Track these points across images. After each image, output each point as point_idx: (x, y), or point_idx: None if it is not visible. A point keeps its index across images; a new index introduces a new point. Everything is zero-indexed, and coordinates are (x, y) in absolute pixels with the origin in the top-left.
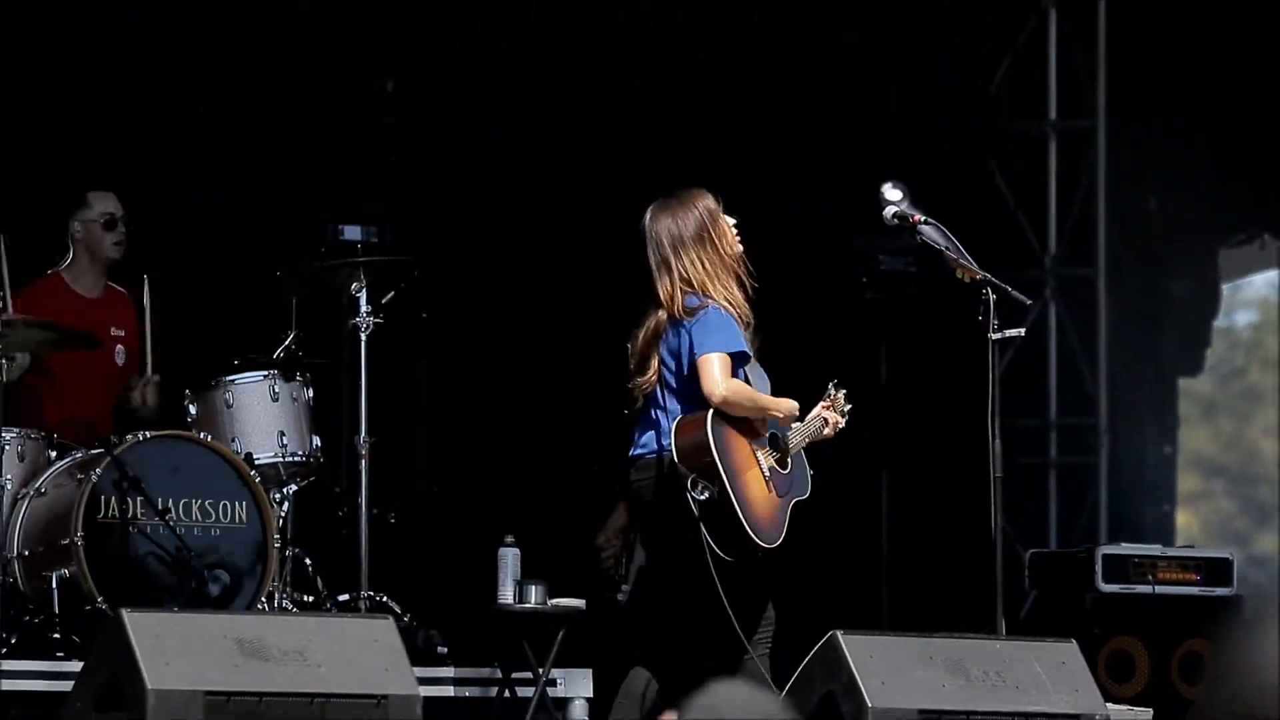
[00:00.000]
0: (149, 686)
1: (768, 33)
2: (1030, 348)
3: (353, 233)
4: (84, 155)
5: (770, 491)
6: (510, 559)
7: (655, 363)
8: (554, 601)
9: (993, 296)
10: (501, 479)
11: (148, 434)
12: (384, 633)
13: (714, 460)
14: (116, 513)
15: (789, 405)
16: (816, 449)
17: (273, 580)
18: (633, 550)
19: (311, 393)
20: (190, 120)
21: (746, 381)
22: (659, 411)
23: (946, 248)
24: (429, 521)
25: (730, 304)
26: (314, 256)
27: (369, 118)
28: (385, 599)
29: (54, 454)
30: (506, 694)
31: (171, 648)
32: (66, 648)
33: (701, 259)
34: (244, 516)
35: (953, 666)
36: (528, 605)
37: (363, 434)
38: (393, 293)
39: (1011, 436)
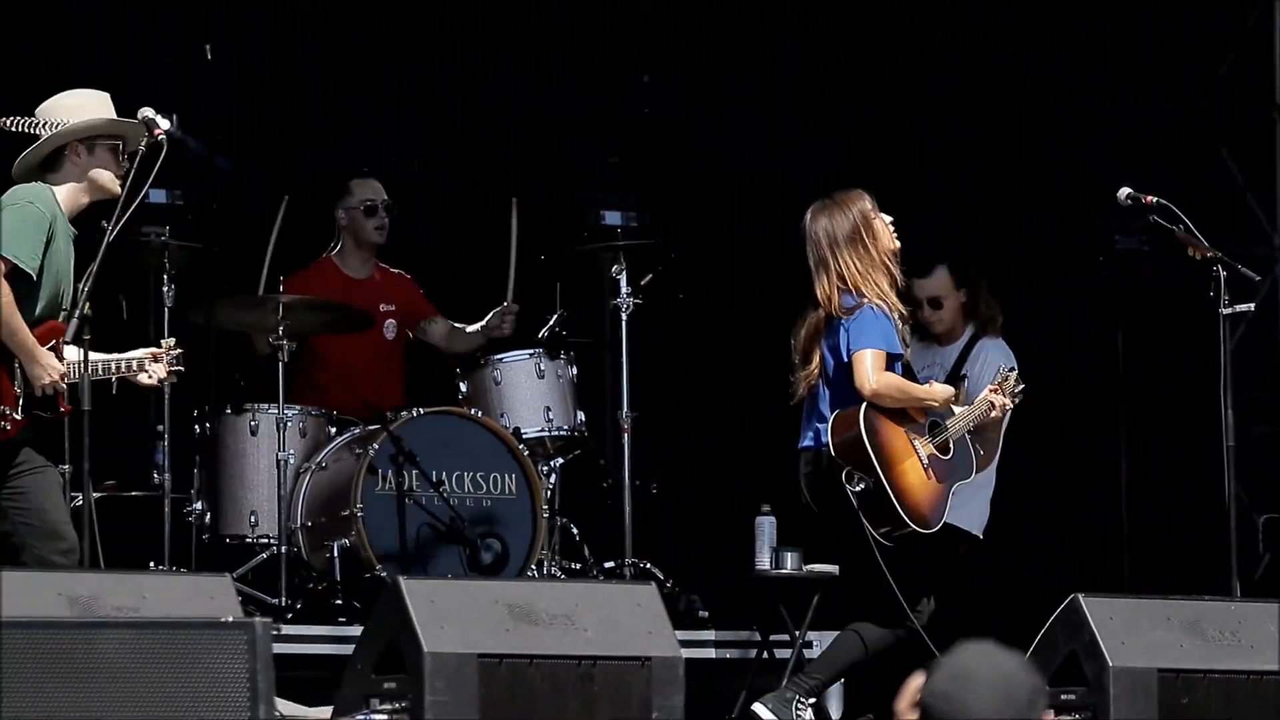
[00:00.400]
0: (425, 650)
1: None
2: (1261, 321)
3: (613, 218)
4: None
5: (930, 478)
6: (767, 527)
7: (817, 358)
8: (809, 567)
9: (1223, 273)
10: (758, 450)
11: (422, 410)
12: (647, 598)
13: (868, 454)
14: (393, 485)
15: (942, 393)
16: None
17: (541, 548)
18: None
19: (575, 370)
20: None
21: (908, 374)
22: (821, 405)
23: (1178, 227)
24: (689, 492)
25: (883, 301)
26: (578, 241)
27: (629, 109)
28: (648, 566)
29: (334, 430)
30: (764, 656)
31: (446, 613)
32: (347, 613)
33: (855, 259)
34: (513, 488)
35: (1190, 627)
36: (784, 571)
37: (625, 409)
38: (651, 275)
39: (1245, 407)
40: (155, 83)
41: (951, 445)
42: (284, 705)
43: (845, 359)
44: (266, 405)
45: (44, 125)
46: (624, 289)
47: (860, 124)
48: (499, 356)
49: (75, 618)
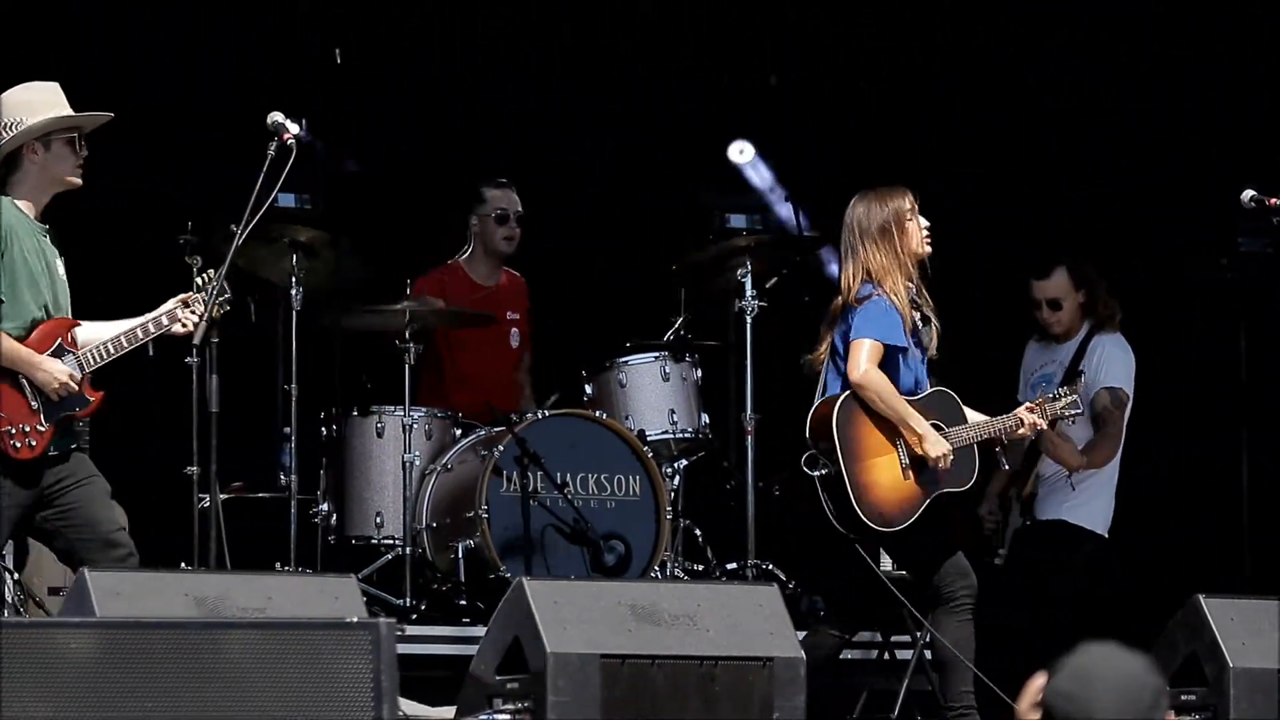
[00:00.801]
0: (548, 650)
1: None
2: None
3: (739, 220)
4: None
5: (908, 479)
6: None
7: (827, 342)
8: None
9: None
10: None
11: (546, 412)
12: (769, 599)
13: (833, 442)
14: (518, 487)
15: (920, 429)
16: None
17: (665, 550)
18: (1008, 515)
19: (700, 373)
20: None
21: (912, 370)
22: (828, 389)
23: None
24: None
25: (897, 299)
26: (702, 244)
27: (756, 109)
28: (771, 567)
29: (459, 432)
30: (886, 656)
31: (569, 613)
32: (471, 614)
33: (879, 253)
34: (637, 490)
35: None
36: (905, 572)
37: (748, 411)
38: (776, 278)
39: None
40: (288, 87)
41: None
42: (408, 705)
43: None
44: (393, 407)
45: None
46: (749, 292)
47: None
48: (624, 359)
49: (202, 618)
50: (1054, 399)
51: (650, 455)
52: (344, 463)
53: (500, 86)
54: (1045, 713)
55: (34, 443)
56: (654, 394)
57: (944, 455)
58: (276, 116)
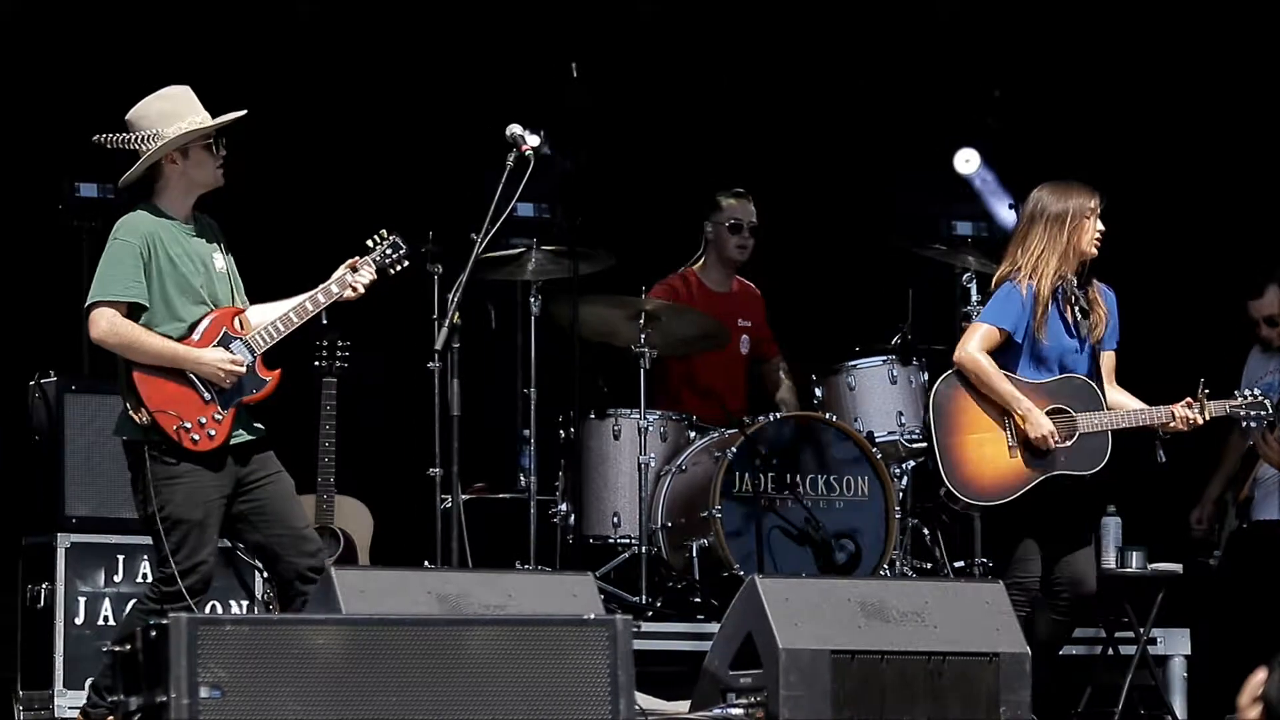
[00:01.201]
0: (780, 646)
1: None
2: None
3: (964, 227)
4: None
5: (1014, 457)
6: (1113, 527)
7: None
8: (1153, 566)
9: None
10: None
11: (778, 415)
12: (995, 596)
13: (928, 415)
14: (750, 488)
15: (1022, 406)
16: None
17: (894, 549)
18: (1224, 518)
19: (926, 376)
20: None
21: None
22: None
23: None
24: None
25: (1036, 287)
26: (929, 250)
27: (974, 122)
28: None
29: (693, 434)
30: (1110, 651)
31: (800, 610)
32: (705, 611)
33: (1043, 241)
34: (866, 490)
35: None
36: (1129, 570)
37: None
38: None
39: None
40: (523, 101)
41: (1078, 434)
42: (644, 699)
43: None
44: (629, 410)
45: (137, 139)
46: (974, 297)
47: None
48: (853, 363)
49: (444, 615)
50: (1216, 398)
51: (879, 456)
52: (582, 464)
53: (735, 95)
54: (1265, 708)
55: (214, 432)
56: (882, 396)
57: (1044, 436)
58: (515, 128)
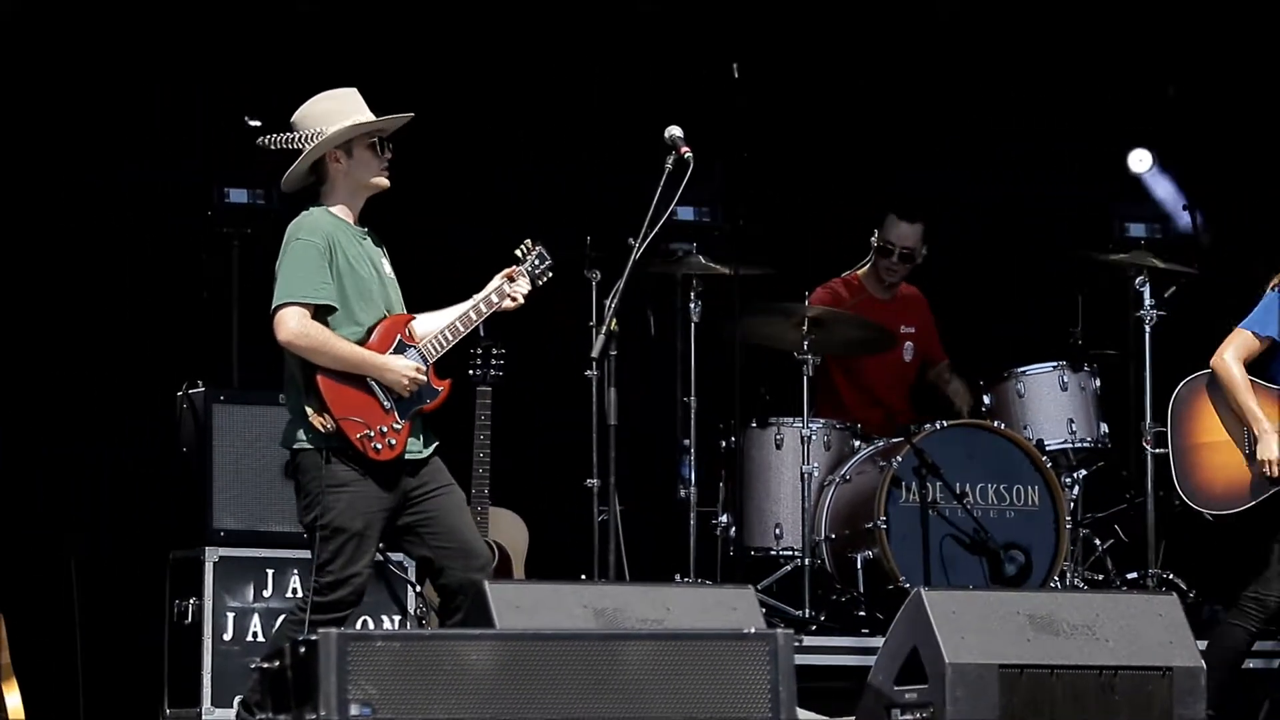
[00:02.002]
0: (947, 660)
1: None
2: None
3: (1138, 229)
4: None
5: (1249, 466)
6: None
7: None
8: None
9: None
10: None
11: (945, 423)
12: (1168, 608)
13: (1167, 419)
14: (916, 497)
15: (1259, 423)
16: None
17: (1064, 559)
18: None
19: (1099, 382)
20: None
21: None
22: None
23: None
24: None
25: None
26: (1102, 252)
27: (1155, 119)
28: (1172, 576)
29: (857, 443)
30: None
31: (967, 623)
32: (870, 624)
33: None
34: (1036, 500)
35: None
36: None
37: (1148, 421)
38: (1174, 287)
39: None
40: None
41: None
42: (806, 715)
43: None
44: (791, 419)
45: (301, 139)
46: (1147, 300)
47: None
48: (1022, 369)
49: (600, 629)
50: None
51: (1049, 465)
52: (743, 474)
53: (902, 97)
54: None
55: (394, 442)
56: (1053, 404)
57: (1271, 461)
58: (674, 131)
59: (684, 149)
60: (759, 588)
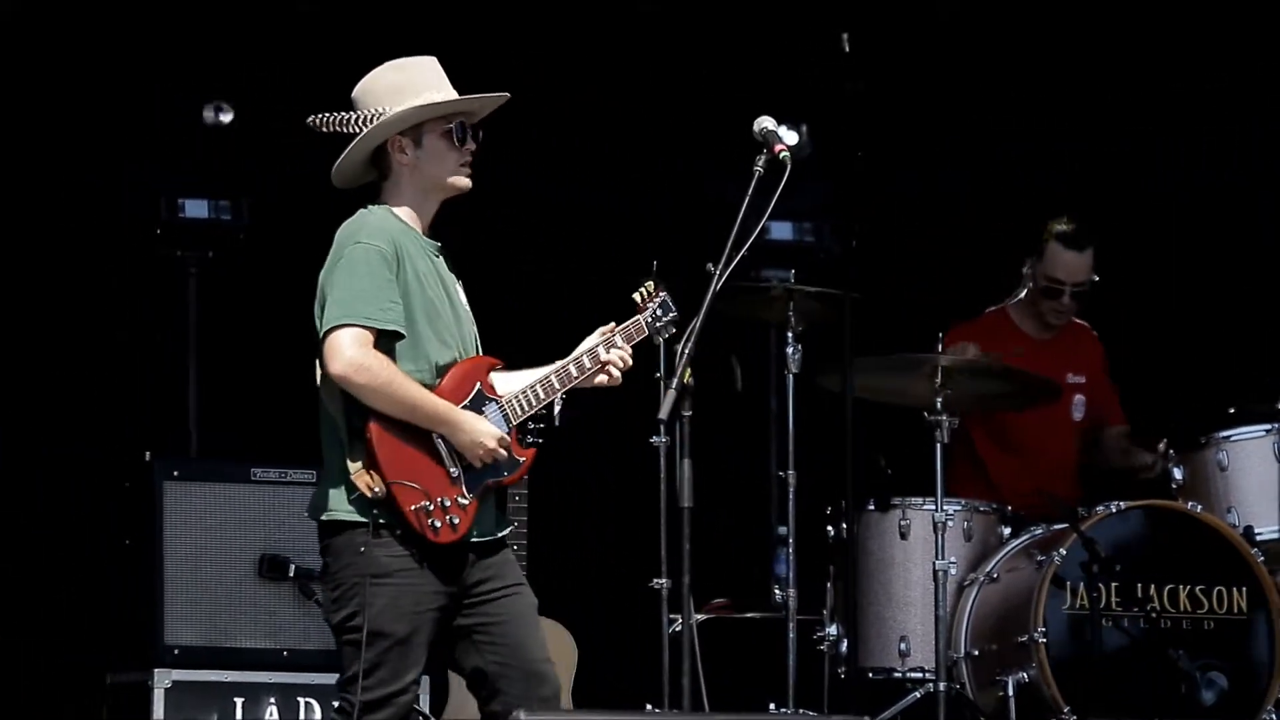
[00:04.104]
0: None
1: None
2: None
3: None
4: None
5: None
6: None
7: None
8: None
9: None
10: None
11: (1122, 505)
12: None
13: None
14: (1085, 602)
15: None
16: None
17: None
18: None
19: None
20: None
21: None
22: None
23: None
24: None
25: None
26: None
27: None
28: None
29: (1007, 531)
30: None
31: None
32: None
33: None
34: (1244, 605)
35: None
36: None
37: None
38: None
39: None
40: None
41: None
42: None
43: None
44: (921, 500)
45: (357, 119)
46: None
47: None
48: (1225, 433)
49: None
50: None
51: (1261, 559)
52: (858, 572)
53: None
54: None
55: (456, 520)
56: (1266, 479)
57: None
58: (766, 123)
59: (779, 147)
60: None
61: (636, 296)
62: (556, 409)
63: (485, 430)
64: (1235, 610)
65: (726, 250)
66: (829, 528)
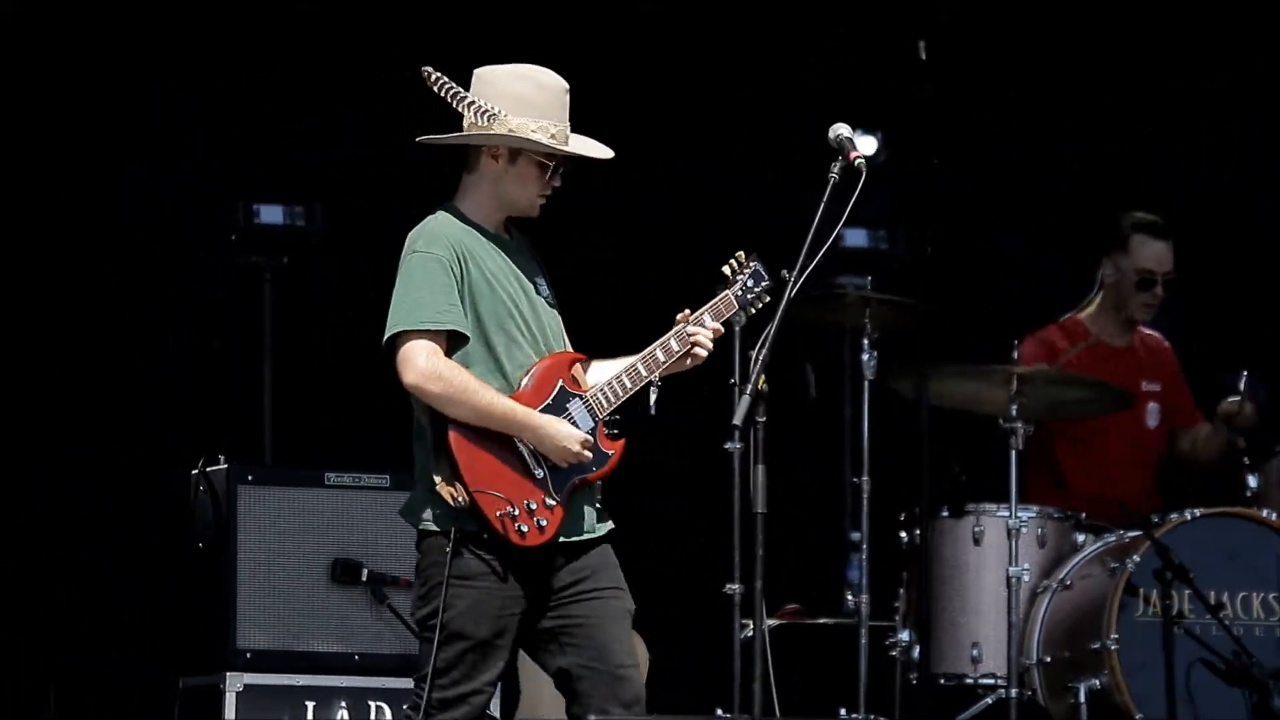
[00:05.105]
0: None
1: None
2: None
3: None
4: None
5: None
6: None
7: None
8: None
9: None
10: None
11: (1198, 512)
12: None
13: None
14: (1159, 609)
15: None
16: None
17: None
18: None
19: None
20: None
21: None
22: None
23: None
24: None
25: None
26: None
27: None
28: None
29: (1081, 538)
30: None
31: None
32: None
33: None
34: None
35: None
36: None
37: None
38: None
39: None
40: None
41: None
42: None
43: None
44: (995, 506)
45: (470, 105)
46: None
47: None
48: None
49: None
50: None
51: None
52: (931, 578)
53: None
54: None
55: (544, 522)
56: None
57: None
58: (842, 129)
59: (855, 153)
60: None
61: (726, 269)
62: (652, 398)
63: (567, 433)
64: None
65: (802, 256)
66: (902, 533)
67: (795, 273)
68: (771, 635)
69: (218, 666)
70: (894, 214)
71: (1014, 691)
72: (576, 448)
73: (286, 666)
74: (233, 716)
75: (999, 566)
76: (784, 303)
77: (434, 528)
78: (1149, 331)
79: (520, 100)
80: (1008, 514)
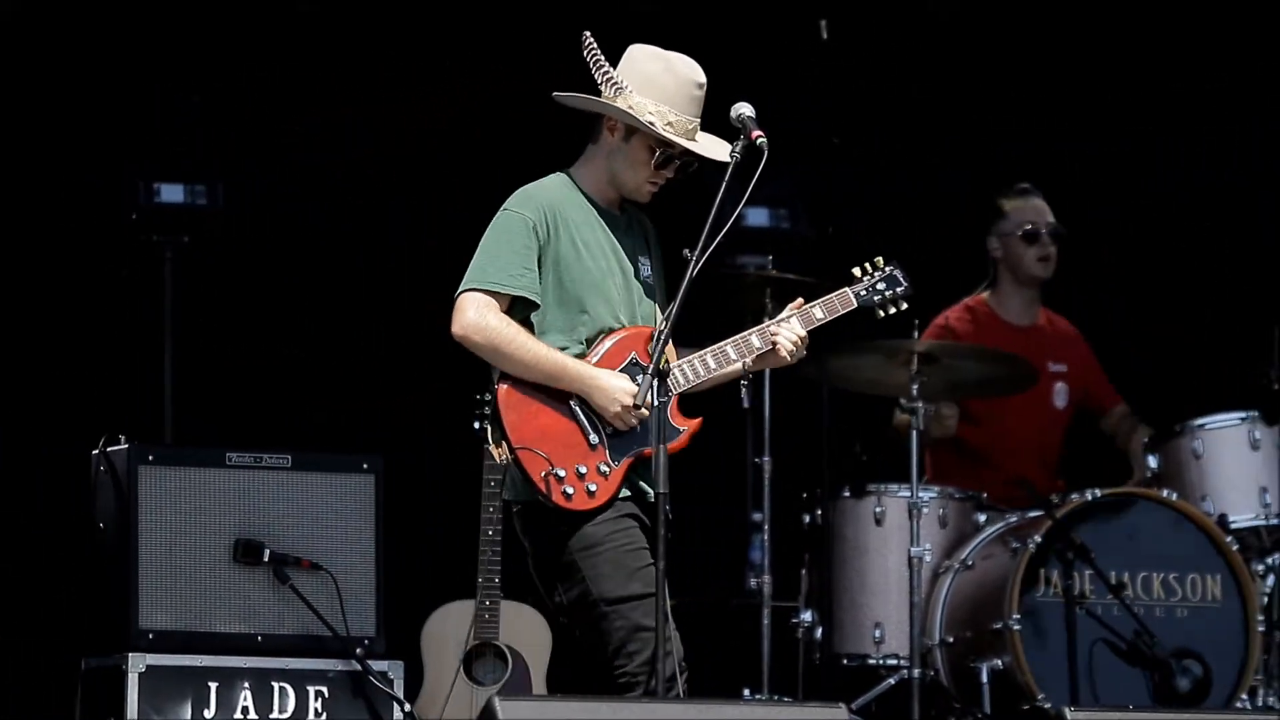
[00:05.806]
0: None
1: None
2: None
3: None
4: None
5: None
6: None
7: None
8: None
9: None
10: None
11: (1098, 493)
12: None
13: None
14: (1060, 590)
15: None
16: None
17: (1255, 672)
18: None
19: None
20: None
21: None
22: None
23: None
24: None
25: None
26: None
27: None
28: None
29: (982, 518)
30: None
31: None
32: None
33: None
34: (1218, 593)
35: None
36: None
37: None
38: None
39: None
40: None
41: None
42: None
43: None
44: (896, 486)
45: (606, 75)
46: None
47: None
48: (1200, 422)
49: None
50: None
51: (1235, 548)
52: (833, 559)
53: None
54: None
55: (594, 487)
56: (1240, 467)
57: None
58: (744, 109)
59: (756, 132)
60: (853, 707)
61: (856, 269)
62: (743, 391)
63: (619, 386)
64: (1209, 598)
65: (703, 236)
66: (804, 514)
67: (697, 252)
68: (674, 615)
69: (120, 647)
70: (795, 192)
71: (916, 672)
72: (628, 401)
73: (189, 647)
74: (135, 698)
75: (901, 547)
76: (685, 283)
77: (517, 497)
78: (1055, 314)
79: (648, 80)
80: (909, 494)
